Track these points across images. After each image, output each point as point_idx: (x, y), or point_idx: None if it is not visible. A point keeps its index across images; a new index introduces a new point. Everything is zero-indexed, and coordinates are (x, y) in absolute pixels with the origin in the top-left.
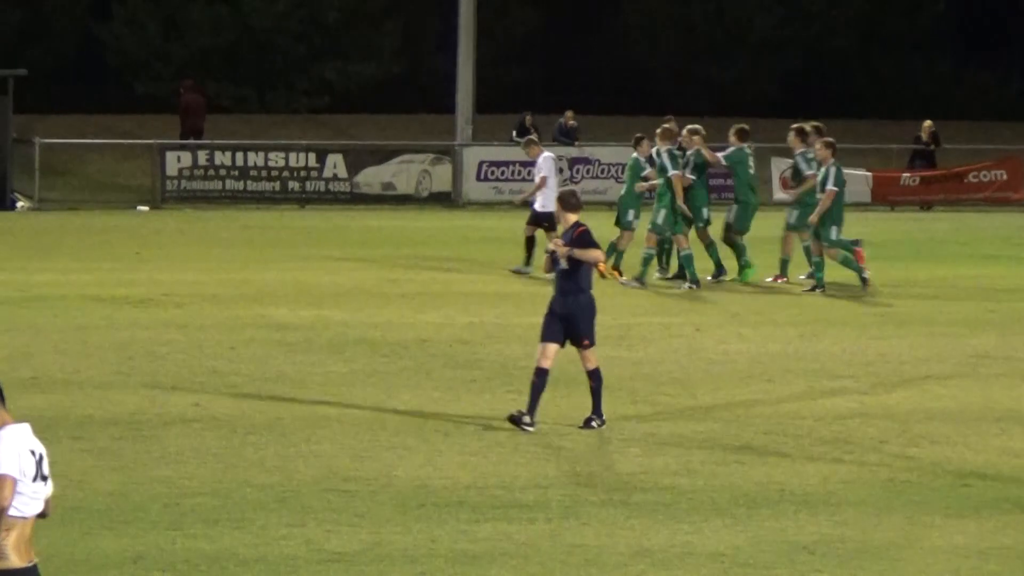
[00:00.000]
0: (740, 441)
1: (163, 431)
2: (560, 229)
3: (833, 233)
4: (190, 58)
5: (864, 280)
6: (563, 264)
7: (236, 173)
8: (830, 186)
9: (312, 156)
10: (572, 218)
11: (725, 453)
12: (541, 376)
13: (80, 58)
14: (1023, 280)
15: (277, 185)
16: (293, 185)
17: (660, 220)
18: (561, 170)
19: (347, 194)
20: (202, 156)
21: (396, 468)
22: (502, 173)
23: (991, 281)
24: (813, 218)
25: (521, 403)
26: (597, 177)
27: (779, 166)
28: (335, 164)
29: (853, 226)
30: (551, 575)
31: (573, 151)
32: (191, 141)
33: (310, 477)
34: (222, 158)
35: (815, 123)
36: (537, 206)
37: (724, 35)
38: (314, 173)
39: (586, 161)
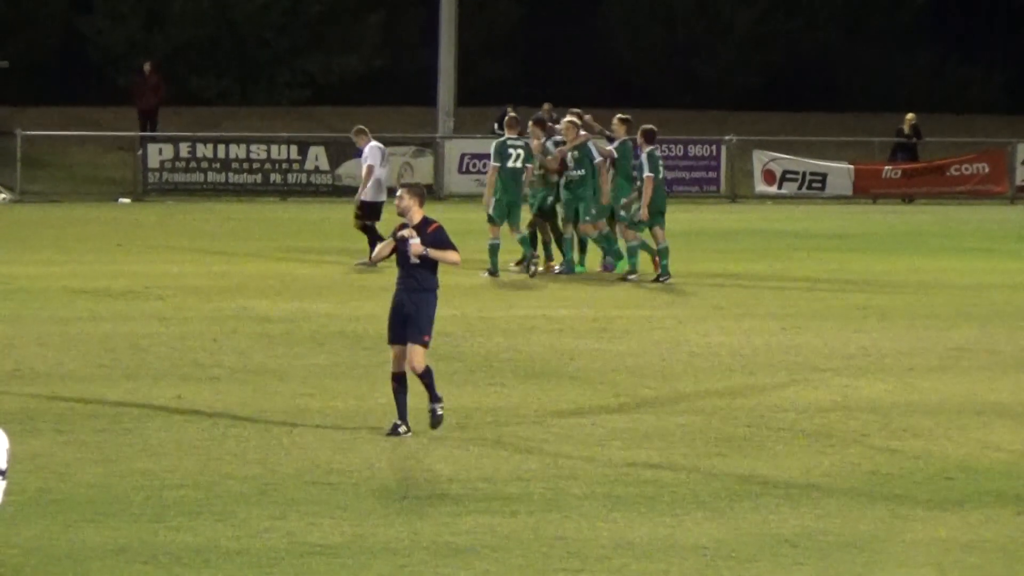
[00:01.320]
0: (722, 434)
1: (145, 423)
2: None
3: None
4: (172, 51)
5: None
6: (414, 260)
7: (218, 165)
8: (647, 172)
9: (294, 149)
10: (420, 212)
11: (707, 446)
12: (398, 381)
13: (62, 51)
14: (1004, 273)
15: (259, 177)
16: (275, 177)
17: (491, 210)
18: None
19: (329, 186)
20: (184, 148)
21: (378, 461)
22: (484, 165)
23: (973, 274)
24: (643, 213)
25: (503, 396)
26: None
27: (761, 159)
28: (317, 156)
29: (835, 219)
30: (533, 567)
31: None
32: (175, 133)
33: (292, 470)
34: (204, 151)
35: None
36: (364, 196)
37: (706, 28)
38: (296, 166)
39: None
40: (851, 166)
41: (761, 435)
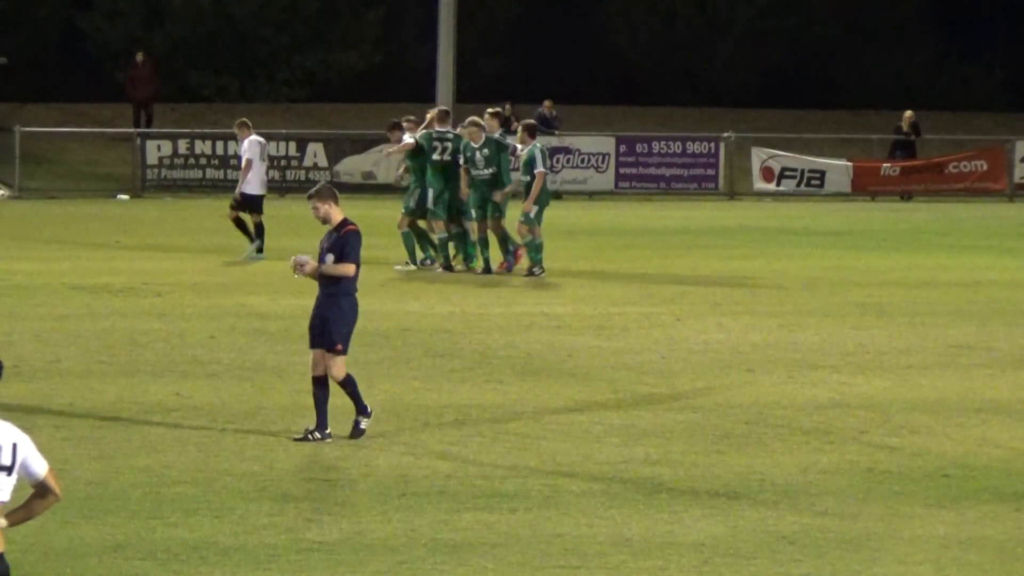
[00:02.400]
0: (720, 431)
1: (143, 420)
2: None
3: (532, 212)
4: (171, 47)
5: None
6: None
7: (216, 162)
8: (539, 168)
9: (292, 145)
10: (340, 212)
11: (705, 443)
12: (317, 385)
13: (61, 47)
14: (1003, 270)
15: None
16: (273, 174)
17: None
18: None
19: (327, 183)
20: (182, 145)
21: (376, 457)
22: None
23: (971, 271)
24: (498, 196)
25: (501, 393)
26: (577, 167)
27: (759, 156)
28: (315, 153)
29: (833, 216)
30: (531, 564)
31: (553, 140)
32: (174, 129)
33: (291, 466)
34: (202, 147)
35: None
36: (246, 190)
37: (706, 24)
38: (294, 162)
39: (566, 151)
40: (850, 163)
41: (759, 432)
